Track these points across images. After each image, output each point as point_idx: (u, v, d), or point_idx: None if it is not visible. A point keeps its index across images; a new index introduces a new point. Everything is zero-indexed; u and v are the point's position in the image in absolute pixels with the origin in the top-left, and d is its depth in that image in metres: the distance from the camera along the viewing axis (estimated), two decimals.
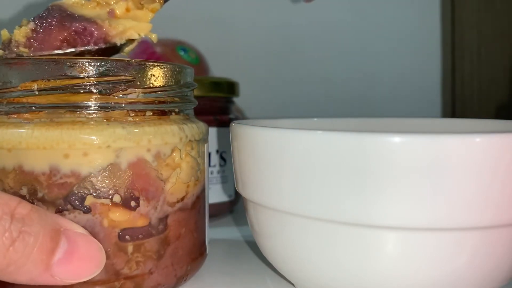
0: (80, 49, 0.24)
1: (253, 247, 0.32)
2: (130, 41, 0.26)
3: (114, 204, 0.22)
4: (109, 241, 0.21)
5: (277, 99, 0.64)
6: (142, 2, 0.26)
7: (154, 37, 0.26)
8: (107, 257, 0.21)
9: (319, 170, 0.19)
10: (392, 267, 0.19)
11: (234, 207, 0.43)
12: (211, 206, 0.37)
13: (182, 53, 0.51)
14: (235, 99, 0.44)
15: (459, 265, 0.19)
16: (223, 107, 0.41)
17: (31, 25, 0.24)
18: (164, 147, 0.23)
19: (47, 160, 0.21)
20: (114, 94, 0.22)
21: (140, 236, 0.22)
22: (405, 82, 0.66)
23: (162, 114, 0.24)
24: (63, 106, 0.21)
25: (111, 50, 0.26)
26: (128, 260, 0.22)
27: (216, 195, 0.39)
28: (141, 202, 0.22)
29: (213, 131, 0.39)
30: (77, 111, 0.21)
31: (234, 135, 0.24)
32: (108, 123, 0.22)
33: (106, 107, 0.22)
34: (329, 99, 0.65)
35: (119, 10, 0.25)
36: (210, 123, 0.37)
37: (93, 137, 0.21)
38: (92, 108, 0.22)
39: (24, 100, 0.21)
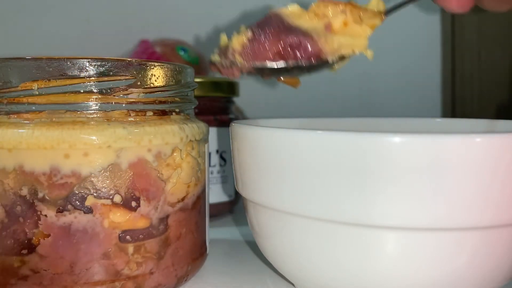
0: (291, 63, 0.24)
1: (253, 247, 0.32)
2: (342, 57, 0.25)
3: (115, 204, 0.22)
4: (109, 241, 0.21)
5: (277, 99, 0.64)
6: (361, 16, 0.24)
7: (370, 54, 0.25)
8: (108, 257, 0.21)
9: (319, 170, 0.19)
10: (392, 267, 0.19)
11: (234, 207, 0.43)
12: (211, 206, 0.37)
13: (182, 53, 0.51)
14: (235, 99, 0.44)
15: (459, 265, 0.19)
16: (223, 107, 0.41)
17: (248, 34, 0.24)
18: (165, 147, 0.23)
19: (48, 160, 0.21)
20: (114, 94, 0.22)
21: (140, 236, 0.22)
22: (405, 82, 0.66)
23: (162, 114, 0.24)
24: (64, 106, 0.21)
25: (319, 66, 0.25)
26: (128, 261, 0.22)
27: (216, 195, 0.39)
28: (141, 202, 0.22)
29: (213, 131, 0.39)
30: (78, 111, 0.21)
31: (234, 135, 0.24)
32: (109, 123, 0.22)
33: (107, 107, 0.22)
34: (329, 99, 0.65)
35: (336, 23, 0.24)
36: (210, 123, 0.37)
37: (94, 137, 0.21)
38: (92, 108, 0.22)
39: (25, 100, 0.21)
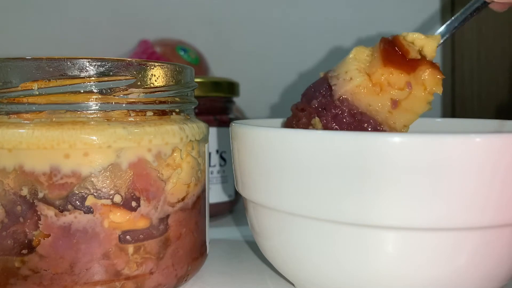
0: None
1: (253, 247, 0.32)
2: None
3: (115, 204, 0.22)
4: (109, 241, 0.21)
5: (277, 99, 0.64)
6: (423, 78, 0.24)
7: (429, 108, 0.25)
8: (108, 257, 0.21)
9: (319, 170, 0.19)
10: (392, 267, 0.19)
11: (234, 207, 0.43)
12: (211, 206, 0.37)
13: (182, 53, 0.51)
14: (235, 99, 0.44)
15: (459, 265, 0.19)
16: (223, 107, 0.41)
17: (322, 123, 0.25)
18: (165, 147, 0.23)
19: (48, 160, 0.21)
20: (114, 94, 0.22)
21: (140, 236, 0.22)
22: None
23: (162, 114, 0.24)
24: (64, 106, 0.21)
25: None
26: (128, 261, 0.22)
27: (216, 195, 0.39)
28: (141, 202, 0.22)
29: (213, 131, 0.39)
30: (78, 111, 0.21)
31: (234, 135, 0.24)
32: (109, 123, 0.22)
33: (107, 107, 0.22)
34: None
35: (401, 97, 0.24)
36: (210, 123, 0.37)
37: (94, 137, 0.21)
38: (92, 108, 0.22)
39: (25, 100, 0.21)
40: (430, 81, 0.24)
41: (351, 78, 0.24)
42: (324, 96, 0.25)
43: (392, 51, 0.24)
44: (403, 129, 0.25)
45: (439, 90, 0.24)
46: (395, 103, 0.24)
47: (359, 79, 0.24)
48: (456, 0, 0.63)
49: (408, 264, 0.19)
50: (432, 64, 0.24)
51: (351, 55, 0.25)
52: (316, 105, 0.25)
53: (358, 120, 0.24)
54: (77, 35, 0.57)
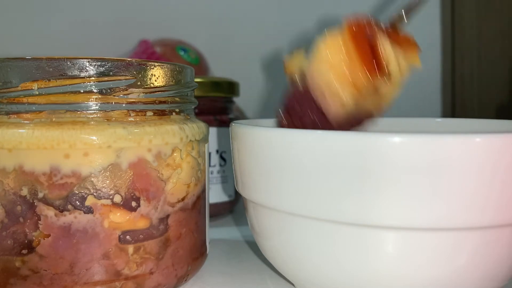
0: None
1: (253, 247, 0.32)
2: None
3: (115, 205, 0.22)
4: (109, 241, 0.21)
5: (277, 99, 0.64)
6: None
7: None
8: (108, 257, 0.21)
9: (319, 170, 0.19)
10: (392, 267, 0.19)
11: (234, 207, 0.43)
12: (211, 206, 0.37)
13: (182, 53, 0.51)
14: (235, 99, 0.44)
15: (459, 265, 0.19)
16: (223, 107, 0.41)
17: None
18: (165, 147, 0.23)
19: (48, 160, 0.21)
20: (114, 94, 0.22)
21: (140, 236, 0.22)
22: (405, 82, 0.66)
23: (162, 114, 0.24)
24: (64, 106, 0.21)
25: None
26: (128, 261, 0.22)
27: (216, 195, 0.39)
28: (141, 202, 0.22)
29: (213, 131, 0.39)
30: (78, 111, 0.21)
31: (234, 135, 0.24)
32: (109, 123, 0.22)
33: (107, 107, 0.22)
34: None
35: (386, 86, 0.24)
36: (210, 123, 0.37)
37: (94, 137, 0.21)
38: (92, 108, 0.22)
39: (25, 100, 0.21)
40: (408, 59, 0.25)
41: (343, 103, 0.24)
42: (319, 116, 0.25)
43: (373, 63, 0.23)
44: (391, 100, 0.26)
45: (417, 64, 0.24)
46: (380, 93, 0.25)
47: (351, 100, 0.24)
48: (456, 0, 0.63)
49: (408, 264, 0.19)
50: (407, 42, 0.24)
51: (326, 65, 0.23)
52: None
53: (358, 125, 0.25)
54: (77, 35, 0.57)
